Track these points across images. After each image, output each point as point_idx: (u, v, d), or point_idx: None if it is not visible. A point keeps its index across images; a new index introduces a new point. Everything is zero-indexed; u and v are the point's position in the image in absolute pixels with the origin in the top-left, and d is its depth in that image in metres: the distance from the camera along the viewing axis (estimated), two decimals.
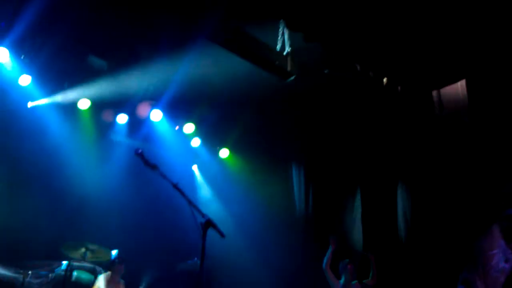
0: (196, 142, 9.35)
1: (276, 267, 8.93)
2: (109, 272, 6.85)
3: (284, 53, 6.85)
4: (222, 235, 4.21)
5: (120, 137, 8.68)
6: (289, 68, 6.90)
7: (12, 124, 7.37)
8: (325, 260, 7.55)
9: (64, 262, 6.73)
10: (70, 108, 8.03)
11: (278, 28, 6.89)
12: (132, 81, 8.10)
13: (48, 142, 7.72)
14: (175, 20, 7.32)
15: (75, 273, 6.70)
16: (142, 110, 8.59)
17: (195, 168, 9.44)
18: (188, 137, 9.27)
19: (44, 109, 7.78)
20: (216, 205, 8.91)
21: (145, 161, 4.21)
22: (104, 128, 8.54)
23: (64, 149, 7.91)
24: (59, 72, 7.68)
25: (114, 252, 7.26)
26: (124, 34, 7.50)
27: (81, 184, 7.96)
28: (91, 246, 6.85)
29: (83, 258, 6.76)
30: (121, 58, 7.84)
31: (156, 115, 8.70)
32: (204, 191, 9.13)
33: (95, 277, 6.83)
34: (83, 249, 6.77)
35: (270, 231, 9.22)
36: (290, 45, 6.86)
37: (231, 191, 9.37)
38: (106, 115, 8.41)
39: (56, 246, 7.02)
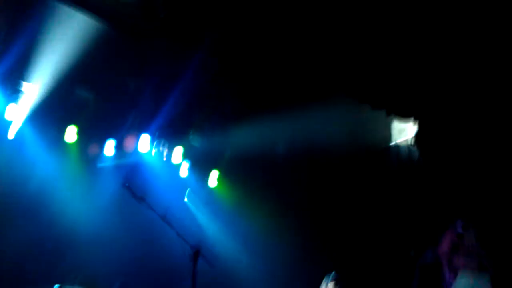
0: (184, 172, 9.32)
1: None
2: None
3: None
4: (211, 265, 4.23)
5: (107, 164, 8.64)
6: None
7: None
8: None
9: (56, 286, 6.67)
10: (57, 140, 8.00)
11: None
12: (120, 112, 8.13)
13: (34, 175, 7.67)
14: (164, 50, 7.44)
15: None
16: (129, 141, 8.59)
17: (185, 196, 9.41)
18: (177, 167, 9.26)
19: (30, 141, 7.74)
20: (208, 231, 8.89)
21: (133, 194, 4.23)
22: (91, 161, 8.51)
23: (50, 181, 7.86)
24: (46, 104, 7.67)
25: None
26: (113, 66, 7.56)
27: (69, 214, 7.89)
28: (82, 270, 6.86)
29: (74, 282, 6.74)
30: (109, 90, 7.88)
31: (144, 146, 8.70)
32: (195, 218, 9.09)
33: None
34: (73, 274, 6.75)
35: (270, 256, 9.23)
36: None
37: (223, 217, 9.36)
38: (93, 148, 8.39)
39: (46, 272, 6.99)
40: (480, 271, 5.96)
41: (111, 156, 8.54)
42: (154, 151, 8.83)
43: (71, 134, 8.02)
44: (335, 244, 9.31)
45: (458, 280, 5.94)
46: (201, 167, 9.63)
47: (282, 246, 9.37)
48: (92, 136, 8.34)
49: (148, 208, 4.24)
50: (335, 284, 7.67)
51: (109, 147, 8.47)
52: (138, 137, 8.56)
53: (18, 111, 7.42)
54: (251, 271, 8.92)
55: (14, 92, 7.34)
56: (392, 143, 9.44)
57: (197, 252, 4.14)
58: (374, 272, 8.72)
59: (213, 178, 9.66)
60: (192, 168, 9.43)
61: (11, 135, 7.32)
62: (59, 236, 7.70)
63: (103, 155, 8.51)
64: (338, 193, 9.53)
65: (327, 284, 7.60)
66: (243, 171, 9.59)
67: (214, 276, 4.66)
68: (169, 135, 9.00)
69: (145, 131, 8.64)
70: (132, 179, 4.48)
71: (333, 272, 7.72)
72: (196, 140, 9.04)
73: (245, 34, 7.30)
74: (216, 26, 7.18)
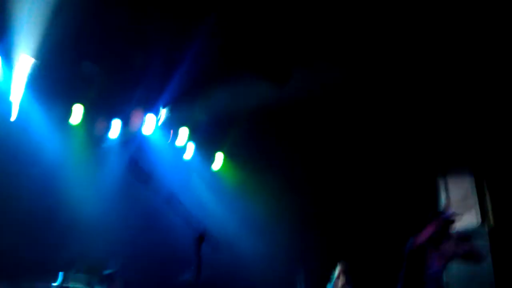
0: (189, 154, 9.26)
1: (278, 275, 8.94)
2: None
3: None
4: (216, 248, 4.18)
5: (113, 143, 8.60)
6: None
7: (1, 137, 7.28)
8: None
9: (59, 273, 6.68)
10: (63, 121, 7.94)
11: None
12: (125, 90, 8.07)
13: (39, 156, 7.63)
14: (169, 26, 7.32)
15: (71, 285, 6.66)
16: (135, 119, 8.52)
17: (189, 179, 9.38)
18: (182, 149, 9.20)
19: (36, 121, 7.68)
20: (212, 214, 8.88)
21: (137, 176, 4.17)
22: (97, 141, 8.46)
23: (55, 163, 7.83)
24: (52, 81, 7.59)
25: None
26: (118, 40, 7.46)
27: (74, 198, 7.88)
28: (86, 260, 6.86)
29: (78, 271, 6.73)
30: (115, 65, 7.79)
31: (149, 127, 8.62)
32: (200, 200, 9.07)
33: None
34: (77, 263, 6.77)
35: (272, 238, 9.24)
36: None
37: (227, 199, 9.36)
38: (99, 128, 8.32)
39: (50, 260, 6.98)
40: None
41: (116, 136, 8.52)
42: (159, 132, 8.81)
43: (76, 113, 7.97)
44: (338, 225, 9.35)
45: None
46: (206, 148, 9.59)
47: (285, 227, 9.40)
48: (97, 114, 8.29)
49: (153, 190, 4.17)
50: (343, 272, 7.78)
51: (115, 127, 8.43)
52: (143, 115, 8.51)
53: (22, 90, 7.37)
54: (254, 253, 8.95)
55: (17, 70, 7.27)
56: None
57: (202, 235, 4.08)
58: (378, 256, 8.74)
59: (218, 160, 9.63)
60: (197, 150, 9.40)
61: (13, 116, 7.27)
62: (64, 220, 7.71)
63: (109, 135, 8.51)
64: (341, 174, 9.54)
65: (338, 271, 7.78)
66: (247, 153, 9.56)
67: (218, 259, 4.61)
68: (174, 115, 8.95)
69: (150, 110, 8.59)
70: (137, 161, 4.40)
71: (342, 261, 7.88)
72: (202, 116, 8.95)
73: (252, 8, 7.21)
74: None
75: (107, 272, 7.03)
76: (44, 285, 6.66)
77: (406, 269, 5.74)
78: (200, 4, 7.13)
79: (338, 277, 7.81)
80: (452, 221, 5.85)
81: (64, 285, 6.57)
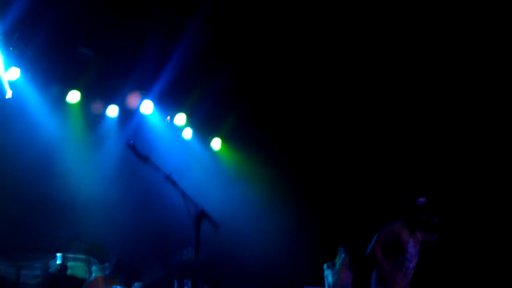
0: (187, 133, 9.31)
1: (275, 255, 9.01)
2: (107, 272, 6.97)
3: None
4: (215, 226, 4.19)
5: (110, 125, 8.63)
6: None
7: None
8: None
9: (58, 254, 6.69)
10: (60, 101, 7.94)
11: None
12: (122, 71, 8.06)
13: (38, 136, 7.64)
14: (165, 9, 7.31)
15: (69, 264, 6.68)
16: (132, 101, 8.54)
17: (187, 159, 9.41)
18: (180, 129, 9.22)
19: (33, 102, 7.68)
20: (210, 194, 8.92)
21: (136, 153, 4.15)
22: (95, 120, 8.47)
23: (53, 143, 7.84)
24: (48, 64, 7.58)
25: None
26: (113, 24, 7.44)
27: (72, 178, 7.90)
28: (85, 238, 6.86)
29: (77, 250, 6.76)
30: (111, 48, 7.78)
31: (147, 107, 8.64)
32: (197, 182, 9.11)
33: (90, 269, 6.83)
34: (76, 241, 6.77)
35: (270, 220, 9.30)
36: None
37: (225, 181, 9.39)
38: (96, 107, 8.34)
39: (49, 240, 6.99)
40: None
41: (114, 116, 8.55)
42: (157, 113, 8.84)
43: (73, 96, 8.00)
44: (334, 206, 9.43)
45: None
46: (204, 132, 9.63)
47: (282, 208, 9.48)
48: (95, 96, 8.30)
49: (152, 167, 4.16)
50: (345, 252, 7.87)
51: (112, 107, 8.46)
52: (141, 96, 8.53)
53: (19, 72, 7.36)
54: (252, 233, 9.01)
55: (14, 53, 7.26)
56: None
57: (201, 213, 4.10)
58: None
59: (216, 141, 9.70)
60: (195, 134, 9.45)
61: (9, 94, 7.26)
62: (63, 200, 7.72)
63: (106, 115, 8.53)
64: (337, 156, 9.60)
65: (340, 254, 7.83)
66: (245, 136, 9.59)
67: (217, 238, 4.64)
68: (171, 99, 8.96)
69: (147, 95, 8.59)
70: (135, 139, 4.38)
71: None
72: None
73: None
74: None
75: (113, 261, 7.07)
76: (43, 265, 6.67)
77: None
78: None
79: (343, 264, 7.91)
80: (424, 210, 5.83)
81: (64, 264, 6.57)
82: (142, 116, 8.77)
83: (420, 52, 7.87)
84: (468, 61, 7.73)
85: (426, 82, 8.31)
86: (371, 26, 7.63)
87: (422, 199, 5.86)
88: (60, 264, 6.54)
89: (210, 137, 9.68)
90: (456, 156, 8.68)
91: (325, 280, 8.09)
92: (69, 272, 6.61)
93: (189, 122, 9.27)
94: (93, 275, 6.90)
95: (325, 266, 8.18)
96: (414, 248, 5.84)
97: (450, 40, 7.57)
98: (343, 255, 8.02)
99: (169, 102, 8.96)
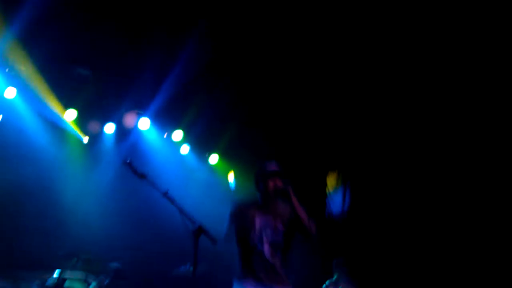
0: (185, 149, 9.37)
1: None
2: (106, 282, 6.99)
3: None
4: (213, 241, 4.21)
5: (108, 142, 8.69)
6: None
7: None
8: None
9: (56, 273, 6.67)
10: (56, 120, 7.99)
11: None
12: (119, 90, 8.13)
13: (35, 154, 7.68)
14: (162, 31, 7.39)
15: (67, 283, 6.66)
16: (129, 119, 8.60)
17: (184, 175, 9.45)
18: (177, 145, 9.27)
19: (29, 121, 7.72)
20: (207, 210, 8.91)
21: (133, 171, 4.19)
22: (91, 139, 8.52)
23: (50, 161, 7.88)
24: (45, 84, 7.64)
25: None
26: (111, 43, 7.50)
27: (69, 195, 7.93)
28: (83, 256, 6.85)
29: (74, 267, 6.74)
30: (108, 67, 7.85)
31: (144, 124, 8.70)
32: (194, 197, 9.13)
33: (88, 286, 6.81)
34: (74, 259, 6.75)
35: None
36: None
37: (222, 195, 9.41)
38: (93, 126, 8.40)
39: (46, 257, 6.99)
40: None
41: (111, 134, 8.61)
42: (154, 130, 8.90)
43: (70, 114, 8.07)
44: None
45: None
46: (201, 148, 9.69)
47: None
48: (91, 115, 8.37)
49: (149, 185, 4.19)
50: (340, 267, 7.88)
51: (109, 126, 8.53)
52: (138, 115, 8.60)
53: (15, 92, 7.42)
54: None
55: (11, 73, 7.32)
56: None
57: (199, 228, 4.13)
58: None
59: (214, 157, 9.75)
60: (192, 150, 9.51)
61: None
62: (60, 217, 7.73)
63: (104, 133, 8.59)
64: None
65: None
66: (242, 151, 9.63)
67: (215, 253, 4.65)
68: (168, 116, 9.02)
69: (144, 113, 8.66)
70: (132, 156, 4.42)
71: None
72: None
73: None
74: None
75: (113, 265, 7.06)
76: (41, 282, 6.65)
77: None
78: (193, 8, 7.20)
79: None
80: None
81: (61, 277, 6.54)
82: (139, 132, 8.82)
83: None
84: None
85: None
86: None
87: None
88: (58, 278, 6.51)
89: (207, 153, 9.74)
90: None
91: None
92: (66, 285, 6.58)
93: (186, 139, 9.34)
94: None
95: (327, 282, 8.17)
96: None
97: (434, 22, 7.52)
98: (339, 271, 8.02)
99: (166, 119, 9.03)
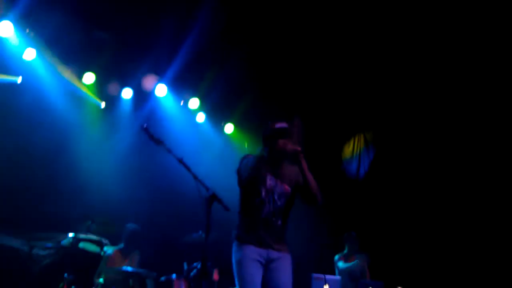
0: (201, 117, 9.39)
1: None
2: (122, 245, 7.16)
3: None
4: (226, 208, 4.24)
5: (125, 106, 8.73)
6: None
7: (16, 99, 7.36)
8: None
9: (70, 235, 6.77)
10: (74, 84, 8.02)
11: None
12: (137, 55, 8.12)
13: (52, 117, 7.73)
14: None
15: (81, 245, 6.77)
16: (147, 83, 8.61)
17: (200, 143, 9.47)
18: (193, 113, 9.29)
19: (48, 83, 7.76)
20: (221, 178, 8.96)
21: (150, 136, 4.22)
22: (108, 104, 8.56)
23: (68, 124, 7.93)
24: (64, 46, 7.65)
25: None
26: (130, 7, 7.47)
27: (86, 159, 7.99)
28: (97, 219, 6.95)
29: (89, 230, 6.85)
30: (126, 32, 7.82)
31: (161, 91, 8.71)
32: (209, 165, 9.18)
33: (101, 249, 6.92)
34: (88, 222, 6.85)
35: None
36: None
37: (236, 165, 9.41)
38: (112, 88, 8.43)
39: (61, 219, 7.10)
40: None
41: (128, 99, 8.64)
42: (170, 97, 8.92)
43: (88, 78, 8.09)
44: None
45: None
46: (217, 117, 9.69)
47: None
48: (109, 79, 8.39)
49: (166, 151, 4.22)
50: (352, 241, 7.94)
51: (127, 90, 8.56)
52: (155, 80, 8.61)
53: (35, 54, 7.44)
54: None
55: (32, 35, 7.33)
56: None
57: (212, 195, 4.16)
58: None
59: (229, 126, 9.77)
60: (208, 118, 9.53)
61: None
62: (75, 181, 7.81)
63: (121, 98, 8.62)
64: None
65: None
66: (257, 121, 9.60)
67: (227, 219, 4.70)
68: (185, 84, 9.01)
69: (161, 78, 8.66)
70: (149, 122, 4.44)
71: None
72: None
73: None
74: None
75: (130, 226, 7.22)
76: (56, 241, 6.77)
77: None
78: None
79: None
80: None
81: (76, 238, 6.63)
82: (156, 98, 8.84)
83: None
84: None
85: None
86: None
87: None
88: (72, 238, 6.62)
89: (223, 122, 9.75)
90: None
91: (336, 269, 8.13)
92: (81, 245, 6.70)
93: (202, 107, 9.35)
94: (108, 252, 7.03)
95: (336, 257, 8.22)
96: None
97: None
98: (350, 244, 8.06)
99: (183, 87, 9.02)
